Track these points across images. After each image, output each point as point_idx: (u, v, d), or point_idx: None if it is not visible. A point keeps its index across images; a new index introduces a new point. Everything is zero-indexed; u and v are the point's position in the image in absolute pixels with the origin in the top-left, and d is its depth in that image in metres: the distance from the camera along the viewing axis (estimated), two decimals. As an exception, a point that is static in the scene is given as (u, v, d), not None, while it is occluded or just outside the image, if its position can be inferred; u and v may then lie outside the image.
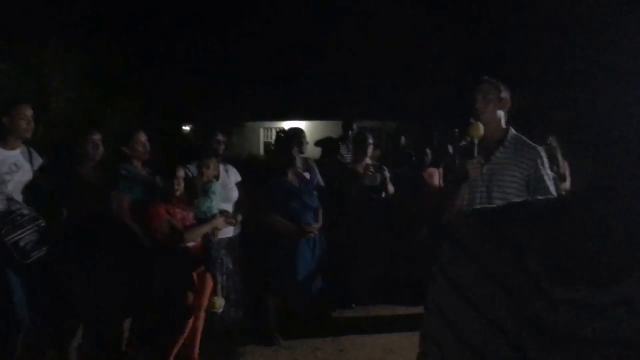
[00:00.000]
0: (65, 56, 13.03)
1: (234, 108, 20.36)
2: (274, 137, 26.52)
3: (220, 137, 4.82)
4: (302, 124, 24.34)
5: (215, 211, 4.26)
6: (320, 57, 23.21)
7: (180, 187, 3.84)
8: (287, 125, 26.20)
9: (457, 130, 6.94)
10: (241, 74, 20.85)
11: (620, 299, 0.55)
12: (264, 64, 22.24)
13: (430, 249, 5.80)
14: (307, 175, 5.22)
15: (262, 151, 25.76)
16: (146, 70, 16.62)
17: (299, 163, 4.86)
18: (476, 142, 3.06)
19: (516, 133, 3.18)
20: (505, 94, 3.17)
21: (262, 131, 26.95)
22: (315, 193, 4.88)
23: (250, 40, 22.28)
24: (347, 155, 6.48)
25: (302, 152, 5.34)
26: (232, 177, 4.73)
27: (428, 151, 5.99)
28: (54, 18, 12.73)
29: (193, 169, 4.44)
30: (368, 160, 5.63)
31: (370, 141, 5.71)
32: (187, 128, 21.29)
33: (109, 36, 13.93)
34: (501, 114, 3.18)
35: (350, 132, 6.80)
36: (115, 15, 16.51)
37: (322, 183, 5.32)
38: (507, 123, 3.23)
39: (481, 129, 3.05)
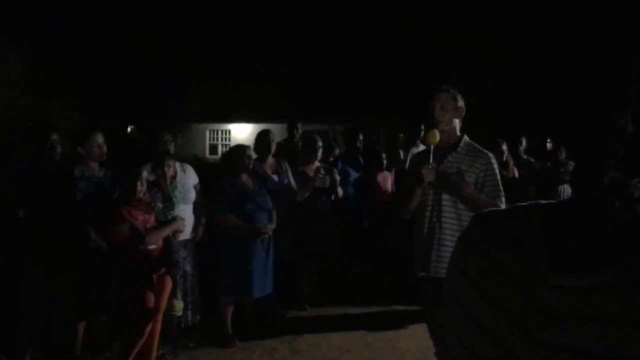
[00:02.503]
0: (6, 54, 12.59)
1: (179, 109, 20.06)
2: (220, 139, 26.38)
3: (168, 137, 4.78)
4: (248, 126, 24.32)
5: (176, 213, 4.24)
6: (267, 60, 23.21)
7: (143, 189, 3.79)
8: (233, 127, 26.05)
9: (401, 135, 7.14)
10: (187, 74, 20.55)
11: (601, 283, 0.67)
12: (211, 65, 22.01)
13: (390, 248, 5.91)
14: (275, 177, 5.26)
15: (207, 153, 25.46)
16: (90, 69, 16.18)
17: (251, 164, 4.88)
18: (432, 148, 3.17)
19: (469, 140, 3.31)
20: (461, 103, 3.28)
21: (207, 132, 26.62)
22: (268, 195, 4.90)
23: (196, 41, 22.02)
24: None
25: (269, 153, 5.39)
26: (189, 176, 4.68)
27: (384, 155, 6.14)
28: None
29: (147, 168, 4.38)
30: (317, 163, 5.72)
31: (320, 144, 5.79)
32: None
33: (51, 35, 13.50)
34: (456, 121, 3.32)
35: (295, 133, 6.71)
36: (56, 14, 15.98)
37: (293, 184, 5.36)
38: (462, 130, 3.37)
39: (437, 136, 3.16)
